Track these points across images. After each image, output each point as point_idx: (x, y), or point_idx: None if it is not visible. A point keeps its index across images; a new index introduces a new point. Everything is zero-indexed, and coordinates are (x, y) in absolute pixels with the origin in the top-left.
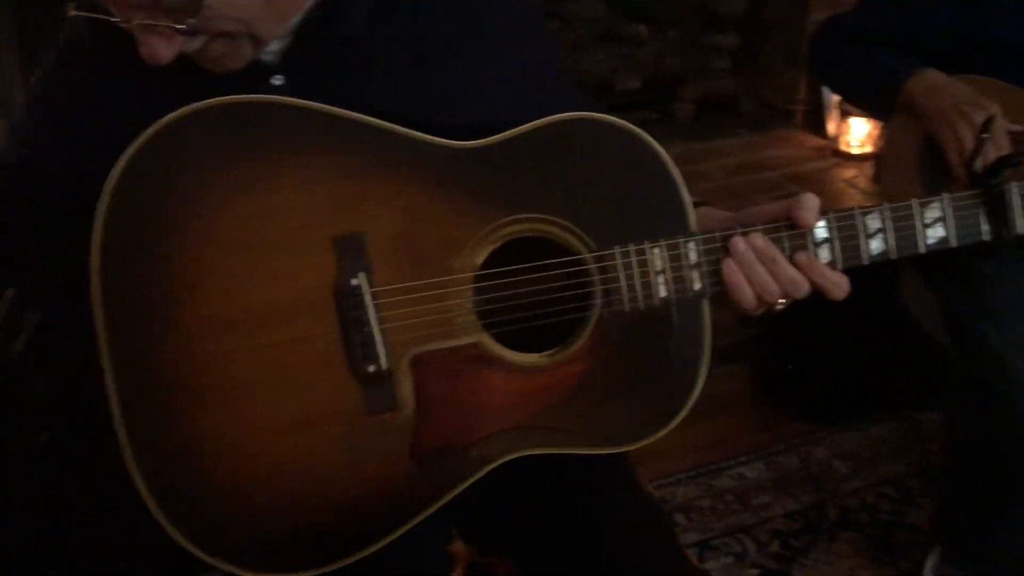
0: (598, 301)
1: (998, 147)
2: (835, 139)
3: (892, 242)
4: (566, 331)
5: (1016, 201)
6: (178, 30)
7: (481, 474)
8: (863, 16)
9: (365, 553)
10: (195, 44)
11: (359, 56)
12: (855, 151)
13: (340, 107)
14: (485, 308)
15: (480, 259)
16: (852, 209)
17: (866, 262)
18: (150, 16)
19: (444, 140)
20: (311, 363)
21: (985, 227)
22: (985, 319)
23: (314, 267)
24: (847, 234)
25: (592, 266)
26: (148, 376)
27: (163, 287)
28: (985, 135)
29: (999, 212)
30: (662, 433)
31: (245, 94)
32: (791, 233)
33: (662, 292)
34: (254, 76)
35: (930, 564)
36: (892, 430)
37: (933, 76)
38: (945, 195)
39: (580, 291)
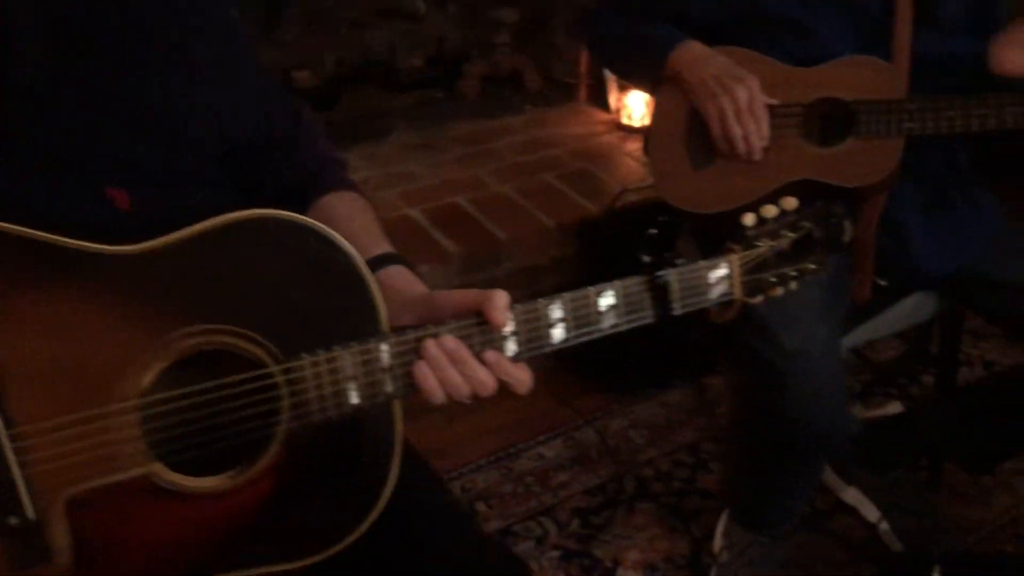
0: (285, 415)
1: (757, 121)
2: (617, 112)
3: (572, 330)
4: (252, 448)
5: (675, 287)
6: None
7: None
8: None
9: None
10: None
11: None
12: (636, 124)
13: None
14: (156, 437)
15: (147, 380)
16: (536, 302)
17: (547, 351)
18: None
19: (102, 246)
20: None
21: (648, 311)
22: None
23: None
24: (532, 325)
25: (280, 379)
26: None
27: None
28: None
29: (662, 298)
30: (355, 536)
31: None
32: (481, 329)
33: (354, 399)
34: None
35: (720, 528)
36: (684, 396)
37: (695, 48)
38: (617, 282)
39: (267, 407)
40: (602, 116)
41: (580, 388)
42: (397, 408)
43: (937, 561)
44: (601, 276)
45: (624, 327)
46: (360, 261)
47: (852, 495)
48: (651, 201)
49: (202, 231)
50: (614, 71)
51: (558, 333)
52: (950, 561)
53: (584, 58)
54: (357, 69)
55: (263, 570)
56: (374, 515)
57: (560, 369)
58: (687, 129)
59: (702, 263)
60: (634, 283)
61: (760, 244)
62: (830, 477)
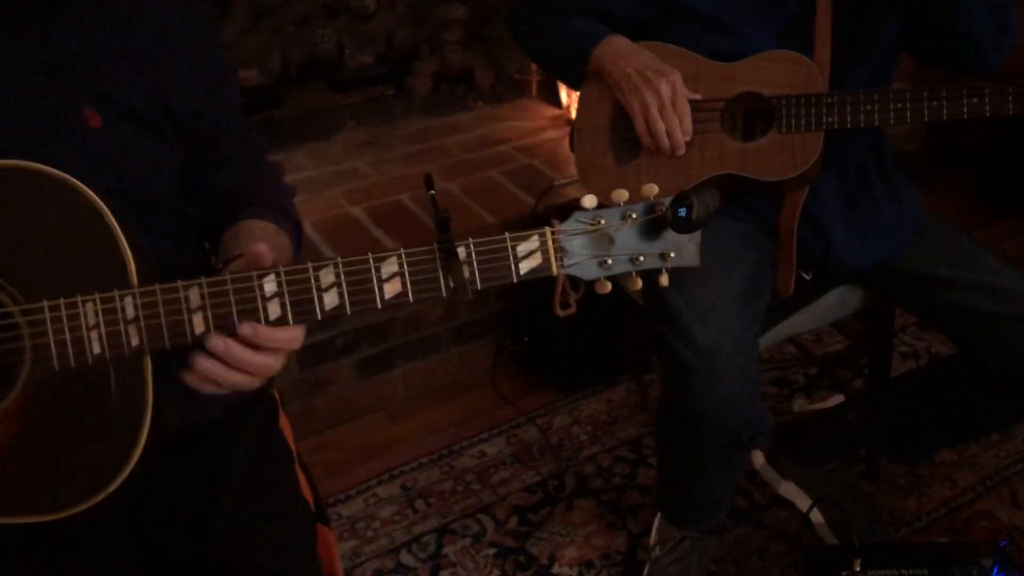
0: (27, 357)
1: (680, 115)
2: (568, 108)
3: (347, 296)
4: None
5: (469, 257)
6: None
7: None
8: None
9: None
10: None
11: (67, 20)
12: None
13: (36, 69)
14: None
15: None
16: (306, 264)
17: (320, 317)
18: None
19: None
20: None
21: (439, 283)
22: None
23: None
24: (298, 287)
25: (20, 319)
26: None
27: None
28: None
29: (454, 269)
30: (100, 498)
31: None
32: (239, 298)
33: (95, 348)
34: None
35: (656, 524)
36: (627, 392)
37: (619, 43)
38: (402, 250)
39: (7, 347)
40: (553, 112)
41: (526, 387)
42: (147, 366)
43: (859, 554)
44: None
45: (413, 297)
46: (107, 212)
47: (787, 488)
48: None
49: None
50: (540, 66)
51: (330, 299)
52: (872, 553)
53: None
54: (304, 67)
55: (7, 520)
56: (117, 482)
57: (505, 368)
58: (611, 124)
59: (508, 235)
60: (420, 251)
61: (588, 223)
62: (766, 471)
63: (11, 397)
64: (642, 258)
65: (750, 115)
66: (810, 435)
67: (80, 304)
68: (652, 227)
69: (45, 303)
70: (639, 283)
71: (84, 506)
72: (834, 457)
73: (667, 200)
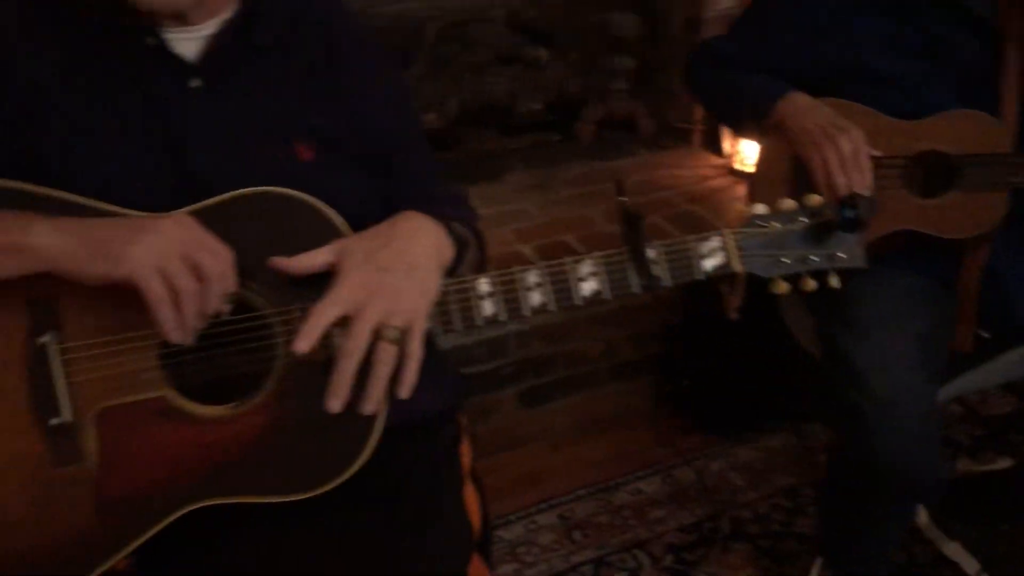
0: (281, 353)
1: (861, 171)
2: (730, 158)
3: (551, 295)
4: (251, 385)
5: (658, 257)
6: None
7: (164, 523)
8: (734, 41)
9: None
10: None
11: (274, 65)
12: (748, 169)
13: (253, 110)
14: (171, 363)
15: None
16: (512, 270)
17: (527, 314)
18: None
19: (137, 212)
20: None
21: (635, 280)
22: (846, 333)
23: (8, 325)
24: (508, 287)
25: (275, 320)
26: None
27: None
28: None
29: (644, 267)
30: (339, 480)
31: (172, 92)
32: (456, 289)
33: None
34: (176, 77)
35: (815, 572)
36: (785, 442)
37: (800, 99)
38: (596, 253)
39: (263, 344)
40: (715, 161)
41: (681, 428)
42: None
43: None
44: (701, 313)
45: (609, 295)
46: (345, 230)
47: (953, 549)
48: None
49: (223, 201)
50: (718, 118)
51: (536, 298)
52: None
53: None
54: (477, 112)
55: (254, 499)
56: (354, 468)
57: (662, 409)
58: (790, 177)
59: (690, 236)
60: (613, 252)
61: (763, 225)
62: (931, 529)
63: (267, 390)
64: (813, 258)
65: (931, 173)
66: (980, 496)
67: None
68: (820, 230)
69: (296, 307)
70: (811, 283)
71: (324, 488)
72: (1004, 520)
73: (834, 202)
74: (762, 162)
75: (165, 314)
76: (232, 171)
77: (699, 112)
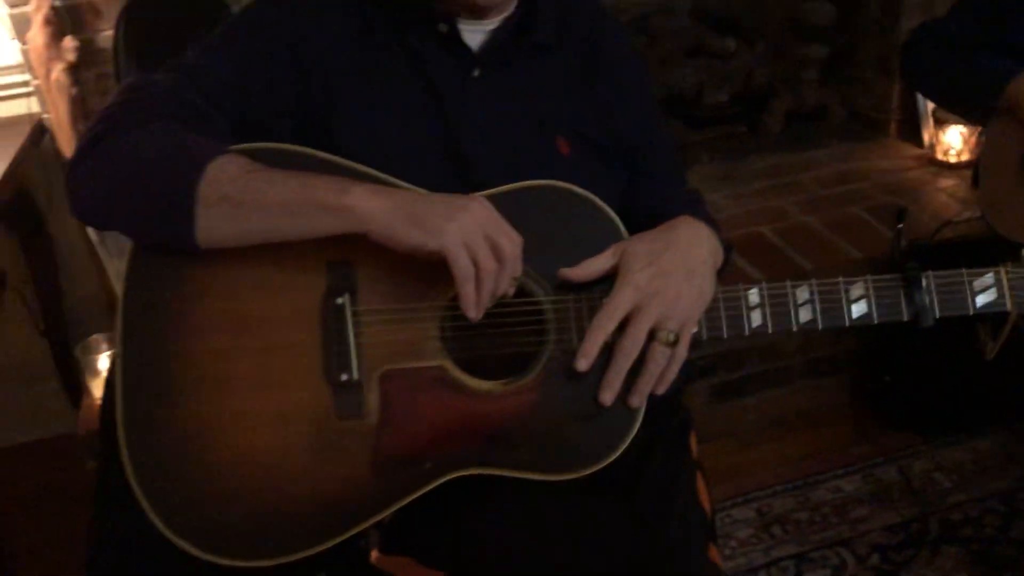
0: (551, 339)
1: None
2: (931, 148)
3: (819, 313)
4: (521, 365)
5: (930, 287)
6: None
7: (431, 486)
8: (957, 20)
9: (318, 550)
10: None
11: (543, 62)
12: (952, 160)
13: (522, 103)
14: (450, 335)
15: (452, 293)
16: (784, 283)
17: (794, 328)
18: None
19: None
20: (293, 367)
21: (906, 308)
22: None
23: (308, 285)
24: (778, 301)
25: (548, 307)
26: (151, 361)
27: (176, 290)
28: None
29: (916, 297)
30: (601, 465)
31: (455, 80)
32: (727, 297)
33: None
34: (460, 64)
35: None
36: (999, 443)
37: None
38: (868, 276)
39: (536, 328)
40: (913, 151)
41: (882, 425)
42: None
43: None
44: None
45: (876, 319)
46: (620, 226)
47: None
48: (976, 235)
49: (509, 190)
50: (937, 101)
51: (804, 314)
52: None
53: (896, 92)
54: (664, 105)
55: (515, 473)
56: (616, 453)
57: (862, 404)
58: (1022, 165)
59: (964, 270)
60: (886, 277)
61: None
62: None
63: (537, 369)
64: None
65: None
66: None
67: (597, 300)
68: None
69: (571, 297)
70: None
71: (585, 472)
72: None
73: None
74: (989, 145)
75: (468, 290)
76: (497, 158)
77: (896, 101)
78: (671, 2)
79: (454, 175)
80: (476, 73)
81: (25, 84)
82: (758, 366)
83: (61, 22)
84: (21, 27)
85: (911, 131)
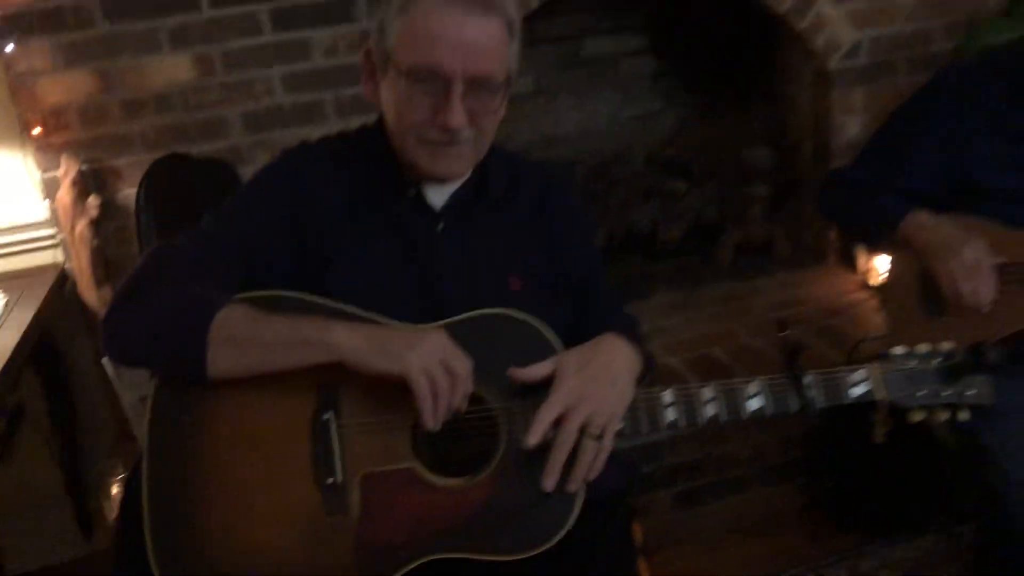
0: (503, 439)
1: (984, 278)
2: (865, 274)
3: (723, 408)
4: (484, 459)
5: (813, 383)
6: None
7: (406, 570)
8: (861, 168)
9: None
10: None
11: (498, 214)
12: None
13: (481, 249)
14: (420, 441)
15: None
16: (690, 385)
17: (702, 423)
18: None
19: (395, 322)
20: (289, 473)
21: (793, 402)
22: (981, 421)
23: (301, 404)
24: (687, 400)
25: (499, 412)
26: (172, 474)
27: (192, 414)
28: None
29: (801, 391)
30: (551, 543)
31: (424, 234)
32: (645, 398)
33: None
34: (427, 221)
35: None
36: (937, 541)
37: (923, 216)
38: (762, 377)
39: (490, 432)
40: (849, 277)
41: (831, 527)
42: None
43: None
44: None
45: (770, 412)
46: (557, 345)
47: None
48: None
49: (465, 319)
50: (848, 235)
51: (710, 409)
52: None
53: (834, 224)
54: (623, 241)
55: (476, 556)
56: (560, 535)
57: (813, 508)
58: (919, 285)
59: (842, 367)
60: (777, 376)
61: (904, 365)
62: None
63: (491, 467)
64: (946, 394)
65: None
66: None
67: (537, 404)
68: (953, 370)
69: (517, 404)
70: (943, 415)
71: (536, 551)
72: None
73: (964, 348)
74: (891, 275)
75: (427, 407)
76: (462, 294)
77: (833, 232)
78: (627, 151)
79: (428, 310)
80: (440, 227)
81: (51, 237)
82: (714, 476)
83: (86, 183)
84: (51, 189)
85: (848, 259)
